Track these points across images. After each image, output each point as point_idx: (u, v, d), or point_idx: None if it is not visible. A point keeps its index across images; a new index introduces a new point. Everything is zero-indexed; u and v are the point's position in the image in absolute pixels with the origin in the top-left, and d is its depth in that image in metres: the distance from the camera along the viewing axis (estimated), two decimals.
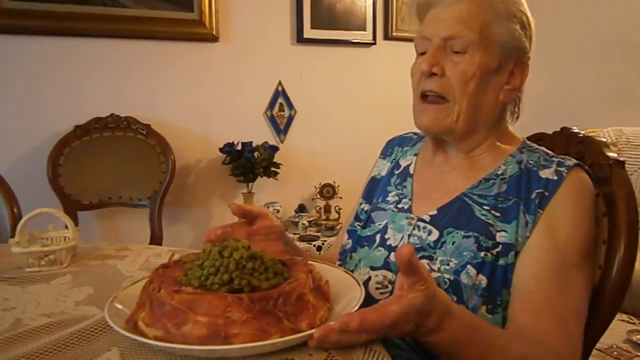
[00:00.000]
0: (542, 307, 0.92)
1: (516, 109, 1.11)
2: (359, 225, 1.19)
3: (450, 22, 1.01)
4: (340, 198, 3.10)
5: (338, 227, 2.99)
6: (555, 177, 0.99)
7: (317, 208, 3.15)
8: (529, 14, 1.05)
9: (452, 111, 1.02)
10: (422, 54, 1.06)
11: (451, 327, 0.80)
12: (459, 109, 1.02)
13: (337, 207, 3.12)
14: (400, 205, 1.13)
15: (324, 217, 3.12)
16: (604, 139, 1.12)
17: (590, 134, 1.15)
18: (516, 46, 1.03)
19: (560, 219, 0.96)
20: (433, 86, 1.02)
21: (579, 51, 3.40)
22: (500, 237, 0.98)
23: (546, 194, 0.98)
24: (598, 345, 1.07)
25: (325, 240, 2.87)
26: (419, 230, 1.06)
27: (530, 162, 1.04)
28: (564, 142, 1.18)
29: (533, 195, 0.99)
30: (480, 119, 1.04)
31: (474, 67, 1.00)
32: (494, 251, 0.97)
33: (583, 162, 1.06)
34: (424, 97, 1.05)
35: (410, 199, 1.13)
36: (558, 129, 1.21)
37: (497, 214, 1.00)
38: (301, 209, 3.16)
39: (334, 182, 3.12)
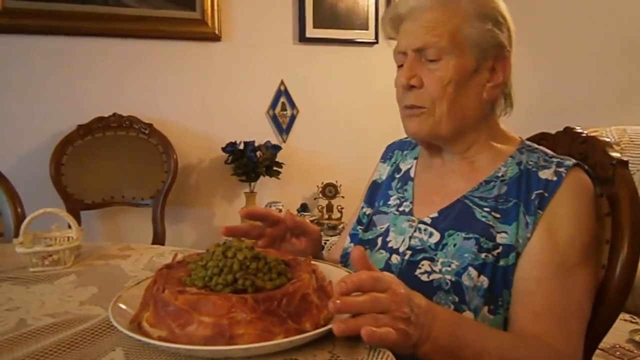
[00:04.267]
0: (542, 308, 0.93)
1: (507, 102, 1.10)
2: (360, 228, 1.19)
3: (420, 33, 1.02)
4: (343, 197, 3.10)
5: (340, 226, 3.00)
6: (555, 178, 0.99)
7: (320, 207, 3.15)
8: (501, 7, 1.05)
9: (434, 116, 1.03)
10: (402, 66, 1.07)
11: (439, 325, 0.82)
12: (440, 114, 1.02)
13: (339, 207, 3.12)
14: (401, 209, 1.14)
15: (326, 216, 3.12)
16: (607, 139, 1.11)
17: (593, 134, 1.14)
18: (492, 44, 1.02)
19: (560, 220, 0.96)
20: (413, 100, 1.03)
21: (581, 50, 3.39)
22: (501, 238, 0.98)
23: (546, 194, 0.98)
24: (601, 345, 1.07)
25: (327, 240, 2.87)
26: (420, 232, 1.06)
27: (530, 162, 1.04)
28: (567, 142, 1.17)
29: (533, 197, 0.99)
30: (465, 120, 1.04)
31: (450, 72, 1.00)
32: (495, 252, 0.97)
33: (586, 162, 1.06)
34: (407, 106, 1.06)
35: (411, 202, 1.13)
36: (561, 129, 1.21)
37: (498, 216, 1.01)
38: (303, 208, 3.17)
39: (337, 182, 3.12)
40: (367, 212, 1.22)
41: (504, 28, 1.04)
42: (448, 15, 1.01)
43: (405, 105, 1.05)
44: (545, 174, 1.01)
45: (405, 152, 1.25)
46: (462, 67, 1.01)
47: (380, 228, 1.14)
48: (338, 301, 0.73)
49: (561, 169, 1.00)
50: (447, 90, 1.01)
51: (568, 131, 1.19)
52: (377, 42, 3.34)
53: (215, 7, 2.85)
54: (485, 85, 1.04)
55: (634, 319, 2.40)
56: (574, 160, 1.02)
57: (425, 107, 1.03)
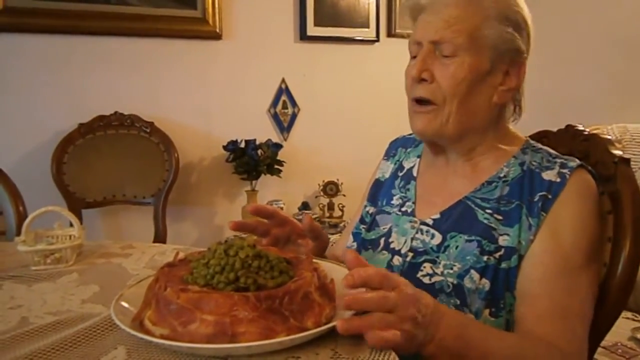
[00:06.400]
0: (546, 309, 0.93)
1: (517, 109, 1.09)
2: (364, 228, 1.19)
3: (439, 26, 1.00)
4: (344, 195, 3.10)
5: (342, 224, 3.00)
6: (558, 179, 0.99)
7: (321, 205, 3.15)
8: (525, 12, 1.03)
9: (442, 114, 1.01)
10: (415, 57, 1.05)
11: (446, 324, 0.81)
12: (449, 112, 1.01)
13: (340, 205, 3.12)
14: (404, 209, 1.13)
15: (327, 214, 3.12)
16: (609, 136, 1.11)
17: (594, 131, 1.14)
18: (509, 48, 1.01)
19: (564, 222, 0.96)
20: (422, 92, 1.02)
21: (582, 48, 3.39)
22: (503, 240, 0.98)
23: (549, 196, 0.98)
24: (603, 343, 1.07)
25: (328, 238, 2.86)
26: (422, 234, 1.06)
27: (534, 163, 1.04)
28: (569, 139, 1.17)
29: (536, 198, 0.98)
30: (473, 121, 1.03)
31: (464, 71, 0.99)
32: (497, 255, 0.97)
33: (588, 160, 1.05)
34: (415, 100, 1.04)
35: (413, 202, 1.13)
36: (562, 127, 1.20)
37: (500, 217, 1.00)
38: (305, 206, 3.16)
39: (338, 180, 3.12)
40: (370, 211, 1.21)
41: (524, 33, 1.03)
42: (470, 13, 1.00)
43: (414, 98, 1.04)
44: (548, 175, 1.00)
45: (408, 150, 1.25)
46: (477, 67, 1.00)
47: (383, 228, 1.14)
48: (346, 298, 0.73)
49: (565, 170, 0.99)
50: (459, 88, 1.00)
51: (570, 129, 1.18)
52: (378, 40, 3.34)
53: (217, 6, 2.85)
54: (497, 88, 1.03)
55: (636, 316, 2.40)
56: (577, 161, 1.01)
57: (436, 104, 1.01)
